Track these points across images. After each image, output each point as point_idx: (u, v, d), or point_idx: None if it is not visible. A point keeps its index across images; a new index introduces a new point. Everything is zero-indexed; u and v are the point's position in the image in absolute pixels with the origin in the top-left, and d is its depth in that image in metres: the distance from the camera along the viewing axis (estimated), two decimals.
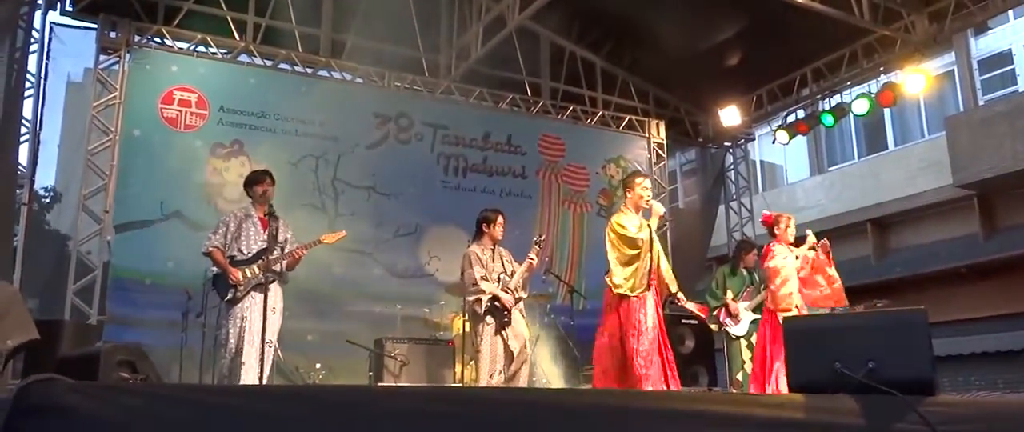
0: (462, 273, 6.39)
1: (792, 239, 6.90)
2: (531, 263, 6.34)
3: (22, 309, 3.56)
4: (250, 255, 5.69)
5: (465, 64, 9.80)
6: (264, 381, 5.26)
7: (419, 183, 9.69)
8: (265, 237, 5.70)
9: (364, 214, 9.24)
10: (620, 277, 5.74)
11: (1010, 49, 13.30)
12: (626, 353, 5.65)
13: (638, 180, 6.06)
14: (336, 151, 9.25)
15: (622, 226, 5.83)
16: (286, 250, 5.72)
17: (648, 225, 5.87)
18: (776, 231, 6.87)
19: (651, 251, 5.82)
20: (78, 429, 1.71)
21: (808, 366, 3.08)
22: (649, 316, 5.72)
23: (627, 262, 5.76)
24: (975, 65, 13.59)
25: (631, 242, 5.77)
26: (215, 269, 5.77)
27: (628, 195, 6.03)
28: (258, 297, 5.53)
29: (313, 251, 6.15)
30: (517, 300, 6.29)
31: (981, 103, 13.21)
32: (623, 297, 5.73)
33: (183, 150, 8.50)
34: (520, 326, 6.25)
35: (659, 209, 5.98)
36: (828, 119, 10.79)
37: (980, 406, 2.96)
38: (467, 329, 6.43)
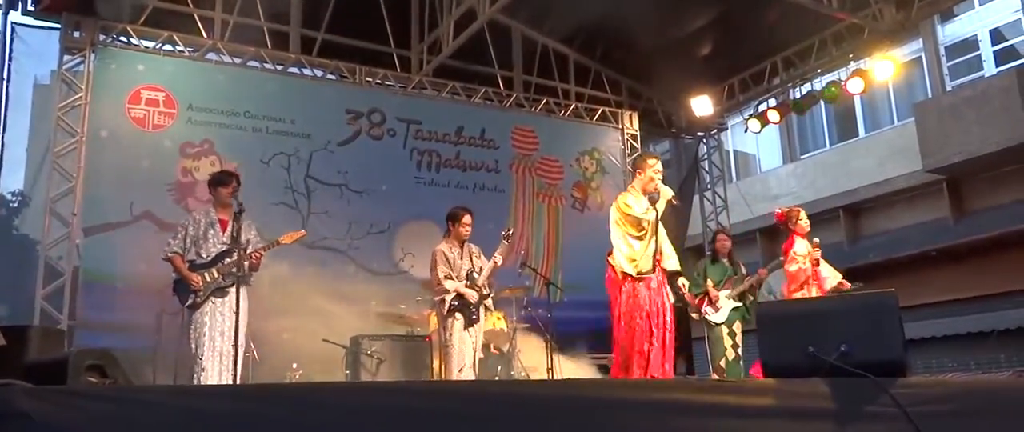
0: (430, 272, 6.47)
1: (808, 228, 6.95)
2: (495, 263, 6.43)
3: None
4: (209, 258, 5.63)
5: (437, 58, 9.76)
6: (236, 382, 5.21)
7: (392, 179, 9.63)
8: (225, 239, 5.64)
9: (337, 212, 9.18)
10: (625, 258, 5.71)
11: (976, 35, 13.48)
12: (634, 334, 5.63)
13: (649, 161, 5.96)
14: (308, 148, 9.17)
15: (628, 206, 5.78)
16: (248, 251, 5.63)
17: (655, 208, 5.81)
18: (791, 226, 6.90)
19: (656, 234, 5.78)
20: None
21: (782, 351, 3.09)
22: (652, 297, 5.70)
23: (636, 240, 5.73)
24: (942, 51, 13.76)
25: (636, 223, 5.71)
26: (176, 275, 5.70)
27: (638, 175, 5.95)
28: (218, 301, 5.53)
29: (287, 250, 6.09)
30: (483, 297, 6.36)
31: (949, 89, 13.37)
32: (627, 277, 5.70)
33: (152, 150, 8.38)
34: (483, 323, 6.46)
35: (667, 193, 5.85)
36: (800, 108, 10.90)
37: (950, 386, 2.98)
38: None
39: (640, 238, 5.71)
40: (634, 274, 5.67)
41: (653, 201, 5.89)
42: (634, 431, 2.34)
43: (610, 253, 5.89)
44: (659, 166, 5.97)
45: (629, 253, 5.71)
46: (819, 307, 3.66)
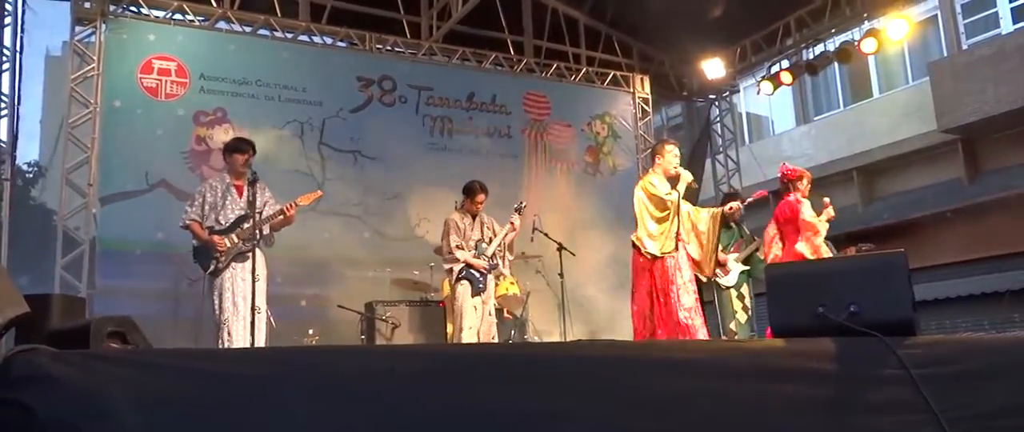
0: (442, 240, 6.74)
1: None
2: (506, 236, 6.68)
3: (8, 283, 3.54)
4: (228, 224, 5.68)
5: (446, 24, 9.72)
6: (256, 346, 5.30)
7: (405, 146, 9.65)
8: (242, 205, 5.69)
9: (352, 178, 9.24)
10: (648, 237, 5.83)
11: None
12: (669, 311, 5.74)
13: (667, 148, 6.11)
14: (320, 116, 9.21)
15: (653, 185, 5.92)
16: (265, 214, 5.69)
17: (677, 190, 5.95)
18: (799, 186, 6.93)
19: (678, 215, 5.91)
20: (63, 397, 1.73)
21: (790, 311, 3.12)
22: (685, 270, 5.86)
23: (658, 222, 5.86)
24: (958, 9, 13.54)
25: (660, 203, 5.85)
26: (196, 242, 5.76)
27: (657, 162, 6.10)
28: (238, 266, 5.59)
29: (303, 217, 6.14)
30: (492, 267, 6.57)
31: (965, 47, 13.18)
32: (655, 258, 5.81)
33: (165, 119, 8.44)
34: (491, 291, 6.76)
35: (687, 177, 6.01)
36: (813, 69, 10.80)
37: (957, 345, 3.00)
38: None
39: (663, 220, 5.87)
40: (658, 254, 5.81)
41: (674, 184, 6.00)
42: (639, 390, 2.38)
43: (635, 234, 5.98)
44: (677, 151, 6.14)
45: (654, 233, 5.83)
46: (828, 268, 3.68)
